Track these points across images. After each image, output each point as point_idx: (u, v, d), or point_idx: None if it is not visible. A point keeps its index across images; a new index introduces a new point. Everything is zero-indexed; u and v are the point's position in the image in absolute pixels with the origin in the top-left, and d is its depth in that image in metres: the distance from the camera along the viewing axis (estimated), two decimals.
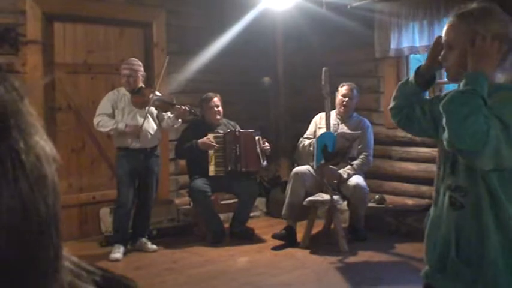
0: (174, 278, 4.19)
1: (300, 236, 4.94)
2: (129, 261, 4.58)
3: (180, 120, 4.88)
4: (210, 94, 5.33)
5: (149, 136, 4.75)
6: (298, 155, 5.57)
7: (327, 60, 5.48)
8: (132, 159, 4.69)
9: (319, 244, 4.92)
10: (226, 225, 5.30)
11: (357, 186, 4.89)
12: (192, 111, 4.92)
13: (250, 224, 5.41)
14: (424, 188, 5.27)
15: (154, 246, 4.87)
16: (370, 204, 5.27)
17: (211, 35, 5.85)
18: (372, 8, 5.45)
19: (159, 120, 4.87)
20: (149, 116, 4.73)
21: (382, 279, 4.10)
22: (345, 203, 5.10)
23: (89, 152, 5.36)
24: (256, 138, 5.24)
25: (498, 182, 1.63)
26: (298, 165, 5.31)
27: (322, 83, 4.91)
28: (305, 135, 5.27)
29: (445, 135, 1.59)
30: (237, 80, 6.13)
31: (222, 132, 5.26)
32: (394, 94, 2.01)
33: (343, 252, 4.67)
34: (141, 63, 4.84)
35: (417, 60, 5.37)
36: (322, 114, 5.11)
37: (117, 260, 4.54)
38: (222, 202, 5.48)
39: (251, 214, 5.58)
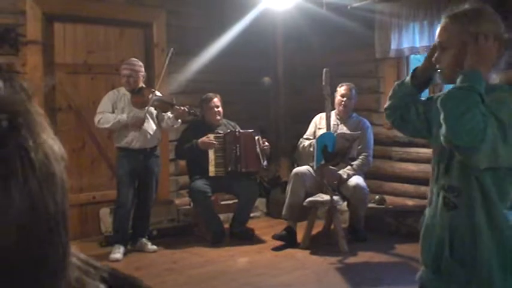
0: (174, 278, 4.19)
1: (300, 237, 4.94)
2: (129, 262, 4.58)
3: (179, 120, 4.88)
4: (210, 94, 5.33)
5: (148, 136, 4.75)
6: (298, 156, 5.57)
7: (327, 61, 5.47)
8: (132, 160, 4.69)
9: (319, 245, 4.92)
10: (226, 225, 5.30)
11: (357, 187, 4.89)
12: (192, 111, 4.92)
13: (250, 224, 5.41)
14: (424, 189, 5.25)
15: (154, 247, 4.87)
16: (370, 205, 5.27)
17: (212, 35, 5.85)
18: (372, 9, 5.45)
19: (158, 120, 4.87)
20: (148, 116, 4.73)
21: (382, 279, 4.10)
22: (345, 203, 5.11)
23: (89, 152, 5.36)
24: (256, 138, 5.24)
25: (492, 182, 1.64)
26: (298, 166, 5.31)
27: (323, 83, 4.91)
28: (305, 136, 5.27)
29: (442, 131, 1.59)
30: (237, 80, 6.12)
31: (222, 132, 5.26)
32: (389, 94, 2.01)
33: (343, 253, 4.67)
34: (141, 64, 4.84)
35: (417, 61, 5.36)
36: (322, 115, 5.11)
37: (117, 260, 4.53)
38: (222, 202, 5.48)
39: (251, 214, 5.58)
